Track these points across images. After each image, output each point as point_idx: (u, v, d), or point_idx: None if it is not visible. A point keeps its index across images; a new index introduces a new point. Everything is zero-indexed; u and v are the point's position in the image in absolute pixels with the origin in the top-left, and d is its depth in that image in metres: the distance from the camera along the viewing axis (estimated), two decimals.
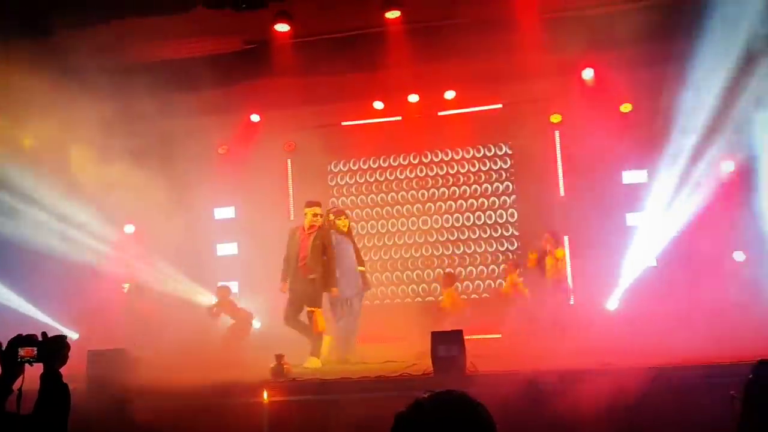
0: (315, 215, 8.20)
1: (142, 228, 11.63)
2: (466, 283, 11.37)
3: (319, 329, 7.88)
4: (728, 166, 9.82)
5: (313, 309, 7.95)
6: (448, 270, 11.08)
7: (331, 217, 8.62)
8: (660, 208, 9.96)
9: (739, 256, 9.76)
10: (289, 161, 12.26)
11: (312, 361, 7.70)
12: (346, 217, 8.72)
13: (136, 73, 9.28)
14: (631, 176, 10.71)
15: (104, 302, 10.25)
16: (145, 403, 5.81)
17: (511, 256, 11.34)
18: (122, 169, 9.58)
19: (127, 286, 10.20)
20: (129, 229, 11.83)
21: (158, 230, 10.35)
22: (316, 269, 8.03)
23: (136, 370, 6.64)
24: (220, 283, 10.59)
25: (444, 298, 10.25)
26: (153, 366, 6.93)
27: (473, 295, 11.08)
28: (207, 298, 10.65)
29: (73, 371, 3.17)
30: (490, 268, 11.50)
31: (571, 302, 10.06)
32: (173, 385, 6.12)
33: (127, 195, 9.93)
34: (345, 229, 8.55)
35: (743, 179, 9.68)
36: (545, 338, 8.27)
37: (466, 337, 6.40)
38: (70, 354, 2.88)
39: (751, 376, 2.57)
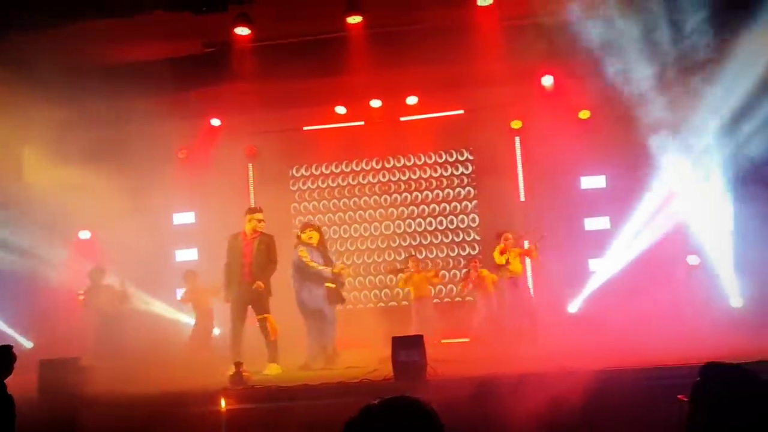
0: (259, 221, 7.89)
1: (98, 234, 11.39)
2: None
3: (274, 335, 7.74)
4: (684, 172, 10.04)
5: (264, 316, 7.76)
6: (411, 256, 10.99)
7: (297, 232, 8.52)
8: (617, 212, 10.16)
9: (693, 259, 9.99)
10: (250, 166, 12.17)
11: (272, 368, 7.61)
12: (312, 229, 8.43)
13: (93, 76, 9.11)
14: (589, 181, 10.93)
15: (59, 310, 10.00)
16: (97, 413, 5.67)
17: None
18: (78, 173, 9.33)
19: (81, 293, 9.91)
20: (84, 234, 11.57)
21: (115, 236, 10.13)
22: (262, 274, 7.77)
23: (89, 379, 6.48)
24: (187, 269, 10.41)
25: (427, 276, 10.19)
26: (109, 373, 6.78)
27: (435, 300, 11.10)
28: (164, 309, 10.47)
29: (25, 381, 3.10)
30: (452, 272, 11.57)
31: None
32: (127, 394, 6.00)
33: (83, 200, 9.67)
34: (313, 242, 8.35)
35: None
36: (507, 342, 8.35)
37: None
38: (23, 363, 2.82)
39: (698, 378, 2.62)
